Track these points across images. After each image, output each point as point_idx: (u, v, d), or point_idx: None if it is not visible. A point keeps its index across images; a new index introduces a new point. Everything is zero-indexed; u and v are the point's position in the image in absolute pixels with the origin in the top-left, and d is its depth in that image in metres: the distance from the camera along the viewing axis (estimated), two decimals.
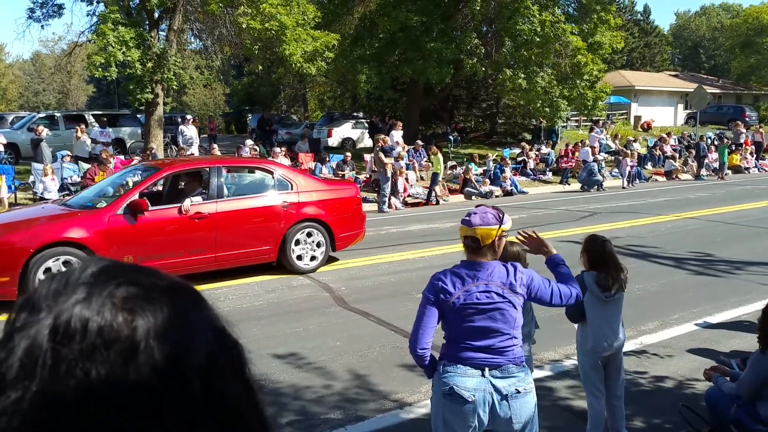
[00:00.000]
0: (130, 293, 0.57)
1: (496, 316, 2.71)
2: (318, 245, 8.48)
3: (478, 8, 19.96)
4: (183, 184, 8.49)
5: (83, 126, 15.52)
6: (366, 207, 15.19)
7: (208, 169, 8.18)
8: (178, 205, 7.62)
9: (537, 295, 2.84)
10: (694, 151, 22.26)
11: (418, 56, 19.96)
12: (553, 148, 22.43)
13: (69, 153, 14.55)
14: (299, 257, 8.33)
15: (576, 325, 3.93)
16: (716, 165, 21.98)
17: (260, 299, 7.23)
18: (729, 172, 22.17)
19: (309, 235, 8.40)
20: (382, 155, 14.63)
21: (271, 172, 8.62)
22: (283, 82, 37.71)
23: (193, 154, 16.47)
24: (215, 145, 19.00)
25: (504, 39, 20.37)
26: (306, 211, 8.41)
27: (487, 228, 2.76)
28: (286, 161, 16.36)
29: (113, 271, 0.59)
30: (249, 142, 18.32)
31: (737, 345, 5.53)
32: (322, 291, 7.57)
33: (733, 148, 23.84)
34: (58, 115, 19.94)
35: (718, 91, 43.24)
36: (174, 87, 18.52)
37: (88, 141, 15.12)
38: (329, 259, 8.88)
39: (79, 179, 13.30)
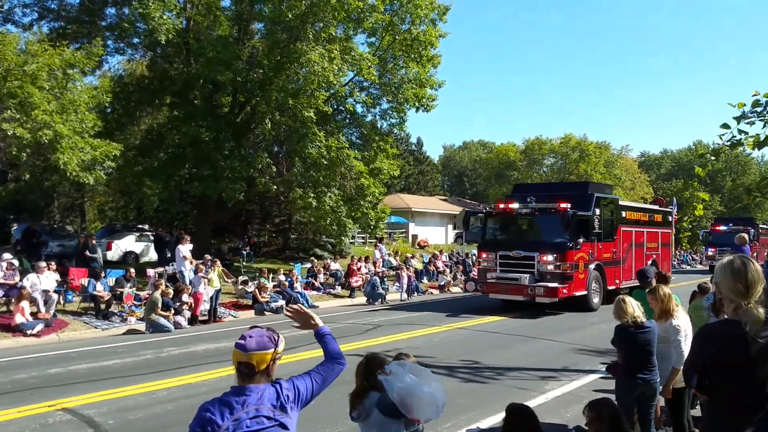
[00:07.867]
0: None
1: None
2: None
3: (268, 130, 20.91)
4: None
5: None
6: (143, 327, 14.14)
7: None
8: None
9: (308, 396, 2.86)
10: (461, 267, 24.99)
11: (209, 172, 19.92)
12: None
13: None
14: None
15: None
16: None
17: None
18: None
19: None
20: None
21: None
22: (57, 189, 34.41)
23: None
24: None
25: (295, 160, 21.43)
26: None
27: (263, 353, 2.69)
28: (54, 277, 14.71)
29: None
30: (7, 255, 16.08)
31: None
32: (84, 427, 6.69)
33: None
34: None
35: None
36: None
37: None
38: (92, 388, 7.89)
39: None
